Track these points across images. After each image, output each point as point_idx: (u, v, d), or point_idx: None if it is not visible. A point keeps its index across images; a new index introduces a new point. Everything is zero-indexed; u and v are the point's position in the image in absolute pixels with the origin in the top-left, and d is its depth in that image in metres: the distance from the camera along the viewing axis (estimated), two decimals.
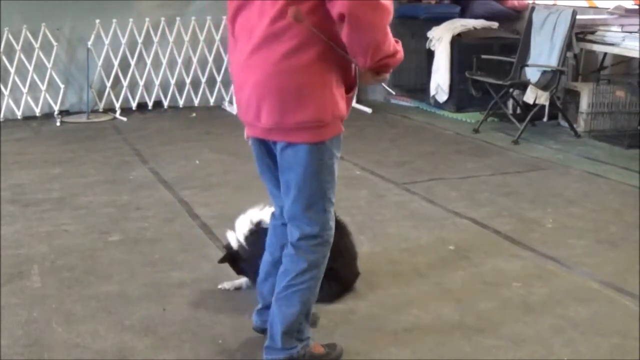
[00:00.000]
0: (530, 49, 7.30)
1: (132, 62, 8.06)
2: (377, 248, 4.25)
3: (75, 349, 3.14)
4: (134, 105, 8.21)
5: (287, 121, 2.71)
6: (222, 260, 3.66)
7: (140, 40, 8.03)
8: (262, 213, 3.61)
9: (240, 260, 3.62)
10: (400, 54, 2.79)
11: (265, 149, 2.93)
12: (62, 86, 7.77)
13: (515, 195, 5.28)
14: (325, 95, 2.71)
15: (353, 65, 2.79)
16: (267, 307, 3.13)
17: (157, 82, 8.23)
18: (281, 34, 2.66)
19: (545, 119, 7.68)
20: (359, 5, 2.54)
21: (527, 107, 7.22)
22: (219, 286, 3.71)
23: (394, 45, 2.76)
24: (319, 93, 2.70)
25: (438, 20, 8.44)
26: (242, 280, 3.72)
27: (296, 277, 2.87)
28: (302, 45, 2.66)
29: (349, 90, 2.82)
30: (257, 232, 3.55)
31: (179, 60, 8.25)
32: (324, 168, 2.79)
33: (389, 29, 2.69)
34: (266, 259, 3.15)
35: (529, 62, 7.17)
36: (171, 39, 8.14)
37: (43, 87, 7.77)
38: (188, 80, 8.35)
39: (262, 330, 3.17)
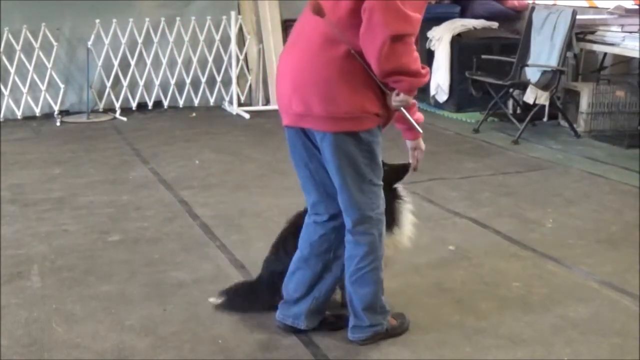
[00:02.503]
0: (530, 49, 7.29)
1: (132, 62, 8.06)
2: None
3: (75, 349, 3.14)
4: (134, 105, 8.21)
5: (318, 110, 2.84)
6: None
7: (140, 40, 8.03)
8: None
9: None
10: (425, 79, 2.83)
11: (301, 140, 3.02)
12: (62, 86, 7.77)
13: (515, 195, 5.27)
14: (356, 90, 2.83)
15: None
16: (290, 302, 3.23)
17: (157, 82, 8.23)
18: (319, 29, 2.83)
19: (545, 119, 7.68)
20: (377, 2, 2.66)
21: (527, 107, 7.22)
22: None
23: (418, 66, 2.80)
24: (350, 87, 2.82)
25: (438, 20, 8.44)
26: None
27: (361, 261, 3.05)
28: (337, 43, 2.80)
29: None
30: None
31: (179, 60, 8.25)
32: (360, 154, 2.91)
33: (412, 45, 2.75)
34: (296, 255, 3.22)
35: (529, 62, 7.17)
36: (171, 39, 8.14)
37: (43, 87, 7.77)
38: (188, 80, 8.35)
39: (284, 326, 3.25)
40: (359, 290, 3.09)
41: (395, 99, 2.88)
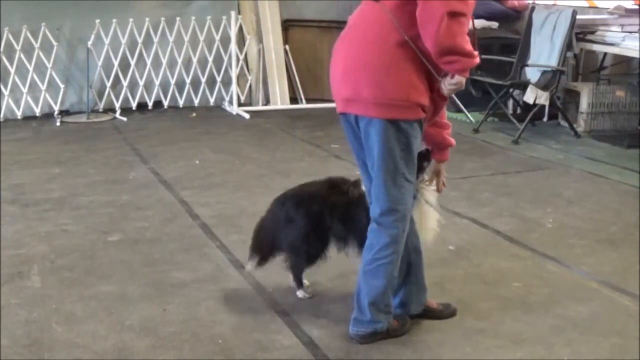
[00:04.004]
0: (530, 49, 7.30)
1: (132, 62, 8.07)
2: None
3: (75, 349, 3.14)
4: (134, 105, 8.22)
5: (365, 94, 2.91)
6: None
7: (140, 40, 8.04)
8: None
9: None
10: (477, 60, 2.88)
11: (351, 129, 3.09)
12: (62, 86, 7.78)
13: (515, 195, 5.28)
14: (404, 78, 2.88)
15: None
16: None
17: (157, 82, 8.23)
18: (374, 18, 2.92)
19: (545, 119, 7.69)
20: None
21: (527, 107, 7.23)
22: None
23: (471, 48, 2.85)
24: (399, 75, 2.88)
25: None
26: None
27: (380, 251, 3.07)
28: (389, 31, 2.88)
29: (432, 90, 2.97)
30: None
31: (179, 60, 8.25)
32: (398, 145, 2.95)
33: (465, 27, 2.80)
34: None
35: (529, 62, 7.17)
36: (171, 39, 8.15)
37: (43, 87, 7.77)
38: (188, 80, 8.36)
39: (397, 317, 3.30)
40: (370, 281, 3.11)
41: (450, 82, 2.91)
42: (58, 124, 7.61)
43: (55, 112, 7.81)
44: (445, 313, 3.43)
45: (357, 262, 3.60)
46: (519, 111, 7.66)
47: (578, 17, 6.95)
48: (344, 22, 3.12)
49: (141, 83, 8.17)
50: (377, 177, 3.03)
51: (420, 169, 3.25)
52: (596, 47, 7.17)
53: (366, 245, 3.14)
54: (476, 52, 2.87)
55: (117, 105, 8.06)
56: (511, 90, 7.37)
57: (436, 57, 2.82)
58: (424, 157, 3.28)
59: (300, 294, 3.61)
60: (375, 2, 2.92)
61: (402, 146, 2.96)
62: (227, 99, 8.51)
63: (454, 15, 2.73)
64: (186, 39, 8.23)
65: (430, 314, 3.40)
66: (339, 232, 3.49)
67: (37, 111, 7.83)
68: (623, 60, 7.29)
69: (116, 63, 7.99)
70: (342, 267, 3.88)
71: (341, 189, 3.49)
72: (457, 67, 2.85)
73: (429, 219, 3.38)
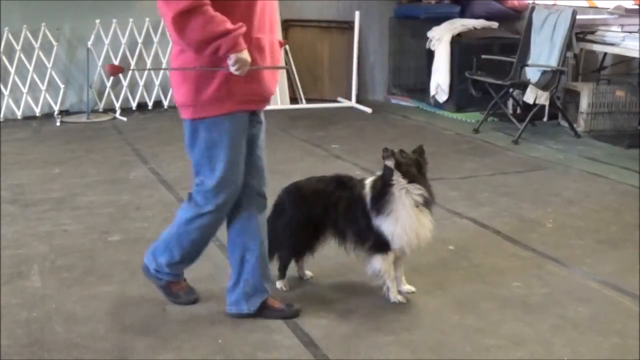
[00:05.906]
0: (530, 49, 7.30)
1: (132, 62, 8.06)
2: None
3: (75, 349, 3.14)
4: (134, 105, 8.22)
5: (176, 100, 3.27)
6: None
7: (140, 40, 8.04)
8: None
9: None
10: (241, 30, 2.89)
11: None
12: (62, 86, 7.78)
13: (515, 195, 5.28)
14: (196, 82, 3.05)
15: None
16: (230, 289, 3.43)
17: (157, 82, 8.23)
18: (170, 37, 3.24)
19: (545, 119, 7.69)
20: None
21: (527, 107, 7.22)
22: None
23: (227, 26, 2.86)
24: (191, 80, 3.06)
25: (438, 20, 8.44)
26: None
27: (183, 225, 3.41)
28: (176, 44, 3.10)
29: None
30: None
31: None
32: (202, 142, 3.18)
33: (209, 13, 2.82)
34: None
35: (529, 62, 7.18)
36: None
37: (43, 87, 7.77)
38: None
39: (233, 314, 3.41)
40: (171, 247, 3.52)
41: (232, 64, 2.95)
42: (58, 124, 7.61)
43: (55, 112, 7.81)
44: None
45: (355, 261, 3.63)
46: (519, 111, 7.66)
47: (578, 17, 6.95)
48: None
49: (141, 83, 8.17)
50: (193, 167, 3.27)
51: (388, 195, 3.44)
52: (596, 47, 7.17)
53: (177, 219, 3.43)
54: (238, 25, 2.88)
55: (117, 105, 8.06)
56: (511, 90, 7.36)
57: (200, 54, 2.94)
58: (387, 183, 3.49)
59: (278, 284, 3.68)
60: None
61: (208, 144, 3.15)
62: None
63: (187, 12, 2.80)
64: None
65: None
66: (339, 228, 3.57)
67: (37, 111, 7.83)
68: (623, 60, 7.29)
69: (116, 63, 7.98)
70: (342, 267, 3.89)
71: (345, 187, 3.60)
72: (224, 50, 2.90)
73: (421, 224, 3.50)
